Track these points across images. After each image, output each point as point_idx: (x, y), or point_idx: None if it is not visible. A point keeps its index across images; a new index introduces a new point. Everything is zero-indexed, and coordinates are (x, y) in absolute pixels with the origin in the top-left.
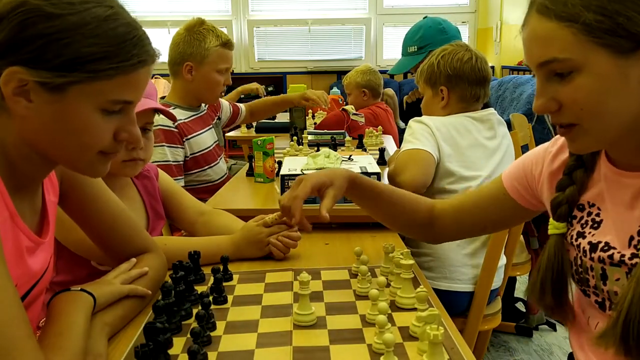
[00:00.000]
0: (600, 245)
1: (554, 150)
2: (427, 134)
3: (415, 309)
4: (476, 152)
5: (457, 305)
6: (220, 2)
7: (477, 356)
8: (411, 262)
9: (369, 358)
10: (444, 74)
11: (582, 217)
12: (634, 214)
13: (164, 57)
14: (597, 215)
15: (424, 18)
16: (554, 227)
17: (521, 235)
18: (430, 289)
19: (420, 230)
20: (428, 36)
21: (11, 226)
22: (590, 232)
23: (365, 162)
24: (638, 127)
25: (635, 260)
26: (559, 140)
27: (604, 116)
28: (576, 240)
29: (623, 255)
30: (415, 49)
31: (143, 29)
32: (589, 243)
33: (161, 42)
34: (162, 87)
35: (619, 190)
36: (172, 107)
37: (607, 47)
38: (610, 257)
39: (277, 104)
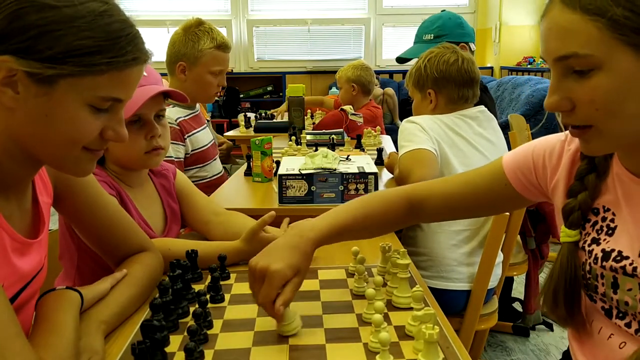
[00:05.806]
0: (613, 255)
1: (572, 149)
2: (419, 132)
3: (411, 309)
4: (469, 146)
5: (453, 304)
6: (219, 2)
7: (474, 356)
8: (407, 261)
9: (365, 357)
10: (430, 77)
11: (596, 222)
12: None
13: (162, 56)
14: (612, 220)
15: (442, 11)
16: (566, 234)
17: (518, 235)
18: (427, 289)
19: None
20: (446, 27)
21: None
22: (605, 239)
23: (363, 162)
24: None
25: None
26: (575, 138)
27: (620, 118)
28: (589, 245)
29: (635, 268)
30: (432, 37)
31: (137, 28)
32: (602, 251)
33: (160, 41)
34: None
35: (634, 197)
36: (172, 106)
37: (633, 46)
38: (623, 267)
39: None
